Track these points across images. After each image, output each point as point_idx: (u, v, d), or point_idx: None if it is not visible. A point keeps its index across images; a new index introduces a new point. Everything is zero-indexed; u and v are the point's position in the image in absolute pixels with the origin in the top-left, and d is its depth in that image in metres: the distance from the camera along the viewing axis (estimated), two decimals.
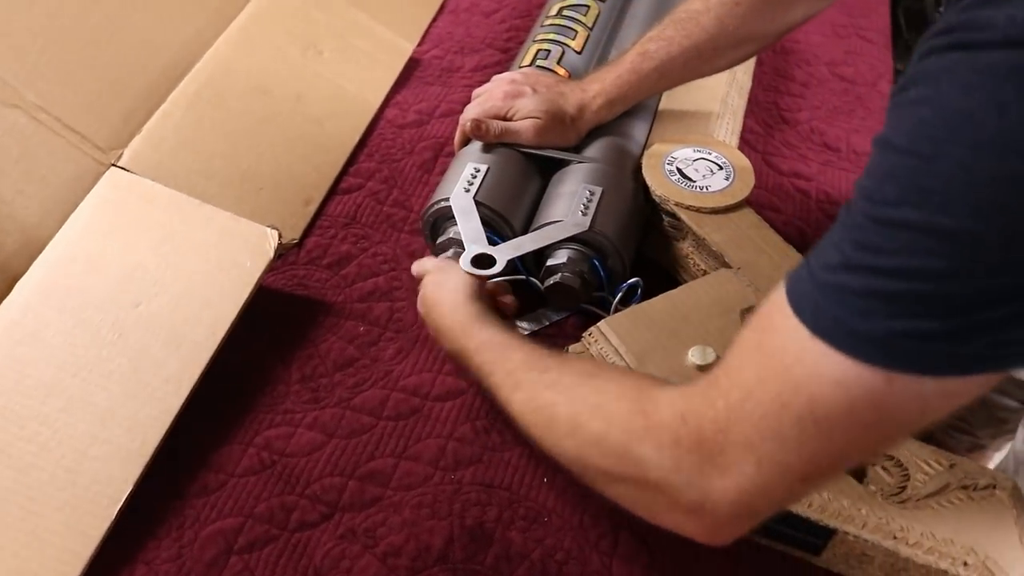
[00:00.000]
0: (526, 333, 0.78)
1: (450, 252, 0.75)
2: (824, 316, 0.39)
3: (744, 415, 0.42)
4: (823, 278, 0.40)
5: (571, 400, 0.53)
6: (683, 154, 0.81)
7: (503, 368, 0.59)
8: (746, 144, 0.95)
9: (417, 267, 0.73)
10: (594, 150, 0.81)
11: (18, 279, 0.70)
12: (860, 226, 0.38)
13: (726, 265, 0.74)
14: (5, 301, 0.69)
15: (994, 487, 0.61)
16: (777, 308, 0.42)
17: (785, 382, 0.41)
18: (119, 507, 0.63)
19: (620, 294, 0.74)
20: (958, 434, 1.03)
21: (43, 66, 0.79)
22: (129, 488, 0.64)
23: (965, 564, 0.58)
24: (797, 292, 0.41)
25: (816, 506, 0.60)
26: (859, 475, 0.62)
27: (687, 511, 0.46)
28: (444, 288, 0.67)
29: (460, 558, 0.63)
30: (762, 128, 0.98)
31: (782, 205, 0.90)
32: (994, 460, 1.11)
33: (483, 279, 0.70)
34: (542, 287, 0.75)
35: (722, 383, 0.44)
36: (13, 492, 0.62)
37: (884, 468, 0.62)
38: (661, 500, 0.47)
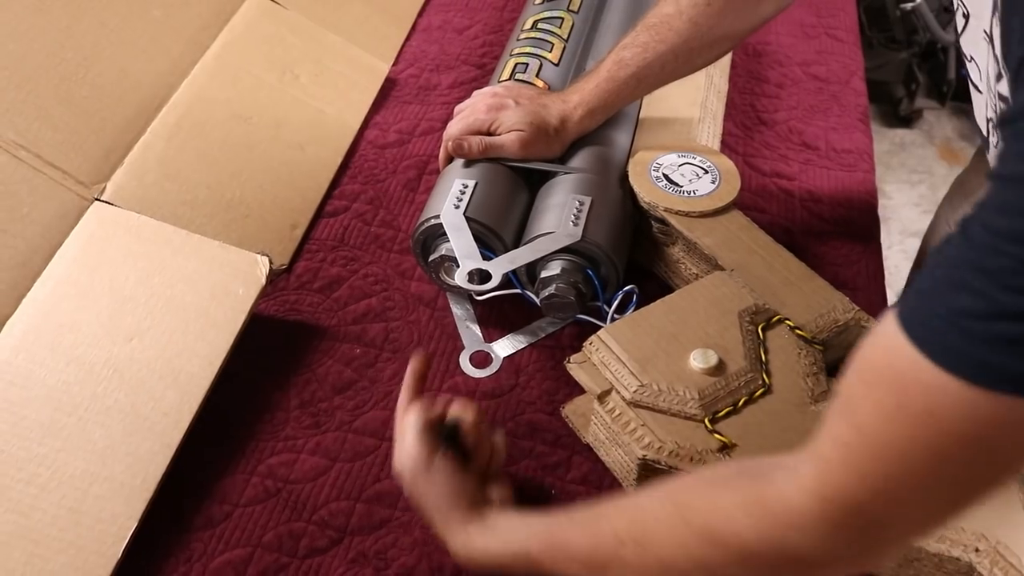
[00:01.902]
0: (523, 347, 0.78)
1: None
2: (982, 367, 0.37)
3: (904, 475, 0.41)
4: (974, 329, 0.38)
5: (683, 548, 0.49)
6: (668, 160, 0.82)
7: (570, 559, 0.54)
8: (727, 147, 0.95)
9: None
10: (579, 160, 0.82)
11: (6, 319, 0.69)
12: (1013, 271, 0.37)
13: (718, 268, 0.74)
14: None
15: None
16: (910, 366, 0.40)
17: (946, 438, 0.39)
18: (125, 545, 0.62)
19: (616, 302, 0.74)
20: None
21: (20, 103, 0.78)
22: (134, 525, 0.63)
23: (977, 550, 0.58)
24: (940, 347, 0.39)
25: None
26: None
27: (854, 564, 0.46)
28: (432, 502, 0.61)
29: (474, 575, 0.63)
30: (741, 131, 0.99)
31: (766, 205, 0.91)
32: None
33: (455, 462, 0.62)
34: (538, 300, 0.75)
35: (864, 451, 0.42)
36: (16, 536, 0.61)
37: None
38: (830, 569, 0.47)
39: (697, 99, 0.93)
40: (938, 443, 0.40)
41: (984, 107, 0.66)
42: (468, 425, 0.62)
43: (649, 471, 0.63)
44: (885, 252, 1.02)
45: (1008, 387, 0.37)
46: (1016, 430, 0.38)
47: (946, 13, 1.95)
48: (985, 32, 0.59)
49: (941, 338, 0.39)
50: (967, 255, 0.38)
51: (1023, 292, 0.36)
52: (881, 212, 0.93)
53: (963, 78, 2.09)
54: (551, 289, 0.74)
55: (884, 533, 0.44)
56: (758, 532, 0.46)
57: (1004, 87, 0.56)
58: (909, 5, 1.90)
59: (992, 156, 0.68)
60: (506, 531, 0.58)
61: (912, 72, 2.13)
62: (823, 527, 0.44)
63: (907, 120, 2.26)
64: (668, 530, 0.50)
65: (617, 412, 0.65)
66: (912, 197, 2.07)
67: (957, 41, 0.65)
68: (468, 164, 0.81)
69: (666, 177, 0.80)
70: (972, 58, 0.64)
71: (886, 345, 0.41)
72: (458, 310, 0.81)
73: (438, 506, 0.60)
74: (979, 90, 0.65)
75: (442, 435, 0.61)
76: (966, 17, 0.63)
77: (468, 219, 0.75)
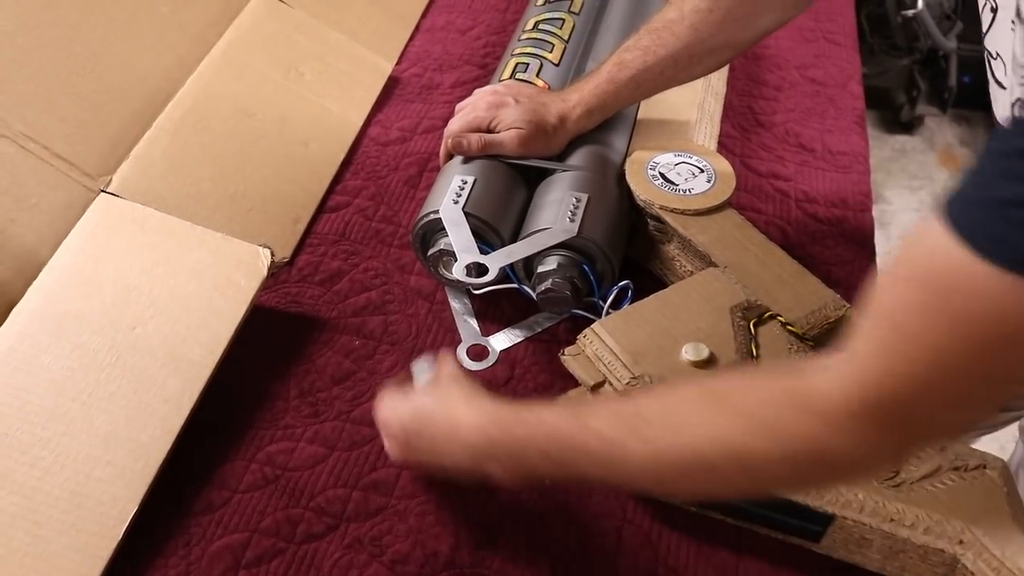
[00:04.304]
0: (519, 340, 0.79)
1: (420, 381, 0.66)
2: None
3: (944, 371, 0.41)
4: (1016, 216, 0.37)
5: (712, 433, 0.48)
6: (665, 159, 0.83)
7: (591, 434, 0.52)
8: (724, 148, 0.97)
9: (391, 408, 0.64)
10: (577, 158, 0.83)
11: (13, 306, 0.71)
12: None
13: (712, 265, 0.75)
14: (1, 329, 0.69)
15: (984, 467, 0.62)
16: (949, 259, 0.39)
17: (986, 331, 0.39)
18: (125, 527, 0.63)
19: (611, 297, 0.75)
20: None
21: (29, 95, 0.79)
22: (134, 508, 0.64)
23: (961, 542, 0.59)
24: (981, 235, 0.38)
25: (814, 493, 0.61)
26: None
27: (895, 461, 0.49)
28: (451, 395, 0.60)
29: (468, 562, 0.64)
30: (739, 132, 1.01)
31: (762, 205, 0.92)
32: None
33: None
34: (534, 294, 0.77)
35: (903, 349, 0.42)
36: (19, 517, 0.62)
37: None
38: (864, 471, 0.49)
39: (695, 100, 0.94)
40: (978, 339, 0.39)
41: (1008, 100, 0.66)
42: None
43: None
44: (884, 257, 1.04)
45: None
46: None
47: (947, 20, 1.96)
48: (1015, 18, 0.59)
49: (985, 228, 0.38)
50: (1017, 143, 0.38)
51: None
52: (881, 217, 0.95)
53: (964, 85, 2.10)
54: (547, 284, 0.75)
55: (919, 432, 0.44)
56: (798, 424, 0.45)
57: None
58: (910, 12, 1.91)
59: None
60: (522, 408, 0.56)
61: (913, 79, 2.14)
62: (859, 425, 0.43)
63: (908, 126, 2.27)
64: (699, 415, 0.49)
65: None
66: (912, 203, 2.08)
67: (982, 41, 0.65)
68: (468, 161, 0.82)
69: (662, 176, 0.81)
70: (997, 55, 0.64)
71: (927, 241, 0.40)
72: (456, 304, 0.82)
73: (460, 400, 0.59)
74: (1003, 86, 0.65)
75: None
76: (994, 11, 0.63)
77: (467, 214, 0.76)
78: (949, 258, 0.39)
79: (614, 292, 0.76)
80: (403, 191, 0.93)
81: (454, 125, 0.83)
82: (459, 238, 0.75)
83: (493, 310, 0.81)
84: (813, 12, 1.18)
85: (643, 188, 0.80)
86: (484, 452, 0.56)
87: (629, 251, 0.82)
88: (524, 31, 1.00)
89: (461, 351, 0.78)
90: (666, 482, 0.53)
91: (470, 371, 0.77)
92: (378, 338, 0.79)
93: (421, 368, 0.66)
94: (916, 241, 0.42)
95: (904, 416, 0.43)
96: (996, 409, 0.44)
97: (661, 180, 0.81)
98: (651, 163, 0.83)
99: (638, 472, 0.52)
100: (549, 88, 0.90)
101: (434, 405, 0.60)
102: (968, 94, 2.14)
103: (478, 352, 0.78)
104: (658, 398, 0.53)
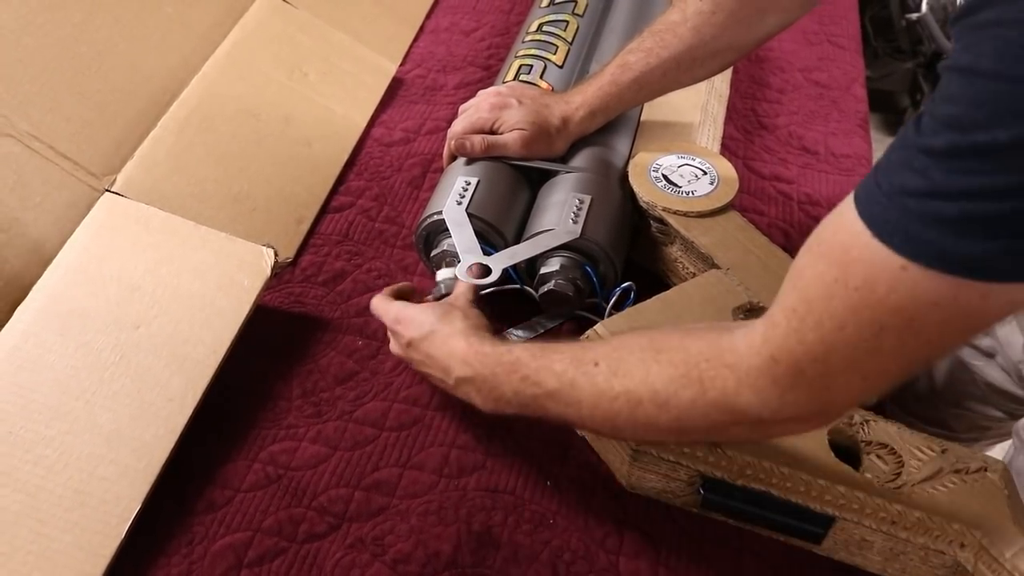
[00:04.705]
0: (522, 341, 0.79)
1: (440, 289, 0.76)
2: (918, 242, 0.40)
3: (842, 342, 0.44)
4: (911, 206, 0.40)
5: (646, 380, 0.53)
6: (668, 161, 0.83)
7: (551, 373, 0.58)
8: (727, 150, 0.97)
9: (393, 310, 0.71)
10: (580, 160, 0.83)
11: (18, 305, 0.71)
12: (949, 153, 0.39)
13: (715, 267, 0.76)
14: (6, 327, 0.70)
15: (985, 470, 0.63)
16: (854, 240, 0.42)
17: (882, 310, 0.42)
18: (128, 526, 0.63)
19: (614, 298, 0.75)
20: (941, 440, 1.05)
21: (34, 95, 0.80)
22: (137, 506, 0.64)
23: (962, 545, 0.59)
24: (881, 220, 0.41)
25: (815, 495, 0.61)
26: (855, 463, 0.63)
27: (803, 422, 0.51)
28: (454, 324, 0.66)
29: (469, 562, 0.64)
30: (742, 134, 1.01)
31: (765, 208, 0.92)
32: None
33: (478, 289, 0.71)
34: (536, 295, 0.77)
35: (808, 319, 0.45)
36: (23, 515, 0.62)
37: (879, 456, 0.64)
38: (776, 428, 0.52)
39: (698, 103, 0.95)
40: (873, 316, 0.43)
41: None
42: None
43: (641, 462, 0.64)
44: None
45: (939, 264, 0.40)
46: (947, 307, 0.41)
47: None
48: None
49: (883, 212, 0.41)
50: (915, 139, 0.41)
51: (955, 172, 0.39)
52: None
53: None
54: (550, 285, 0.75)
55: (827, 395, 0.47)
56: (715, 376, 0.50)
57: None
58: (914, 15, 1.91)
59: None
60: (504, 342, 0.63)
61: (917, 82, 2.14)
62: (766, 382, 0.48)
63: None
64: (639, 364, 0.54)
65: None
66: None
67: None
68: (471, 162, 0.82)
69: (665, 178, 0.81)
70: None
71: (838, 220, 0.44)
72: None
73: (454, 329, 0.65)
74: None
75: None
76: None
77: (470, 215, 0.77)
78: (854, 237, 0.42)
79: (617, 293, 0.76)
80: (406, 192, 0.93)
81: (457, 126, 0.83)
82: (462, 239, 0.76)
83: (495, 311, 0.81)
84: (817, 15, 1.18)
85: (646, 190, 0.81)
86: (466, 380, 0.63)
87: (632, 253, 0.82)
88: (528, 33, 1.00)
89: None
90: (607, 421, 0.56)
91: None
92: (381, 338, 0.79)
93: (445, 277, 0.76)
94: (832, 219, 0.45)
95: (806, 378, 0.47)
96: (899, 381, 0.47)
97: (664, 182, 0.81)
98: (654, 165, 0.83)
99: (588, 410, 0.56)
100: (553, 90, 0.90)
101: (438, 328, 0.66)
102: None
103: None
104: (610, 344, 0.58)
